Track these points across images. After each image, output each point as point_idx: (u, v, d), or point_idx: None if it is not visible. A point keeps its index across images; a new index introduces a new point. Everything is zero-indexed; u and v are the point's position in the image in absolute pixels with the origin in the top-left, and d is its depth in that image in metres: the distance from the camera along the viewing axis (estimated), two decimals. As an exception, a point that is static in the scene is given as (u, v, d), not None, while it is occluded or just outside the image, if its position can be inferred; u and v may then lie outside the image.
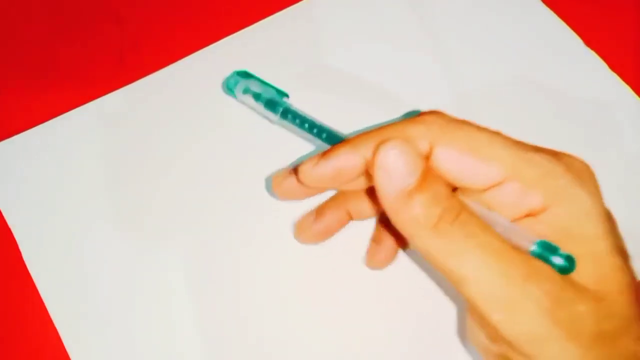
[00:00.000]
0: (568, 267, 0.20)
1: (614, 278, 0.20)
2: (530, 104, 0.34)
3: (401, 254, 0.29)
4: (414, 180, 0.20)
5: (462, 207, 0.21)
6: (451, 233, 0.20)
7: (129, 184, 0.31)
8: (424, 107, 0.33)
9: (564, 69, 0.35)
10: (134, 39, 0.35)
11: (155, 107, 0.33)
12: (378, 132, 0.22)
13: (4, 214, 0.30)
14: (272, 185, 0.26)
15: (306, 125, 0.26)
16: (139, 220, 0.30)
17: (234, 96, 0.28)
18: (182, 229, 0.30)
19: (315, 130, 0.25)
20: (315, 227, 0.27)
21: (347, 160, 0.22)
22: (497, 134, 0.22)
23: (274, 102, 0.26)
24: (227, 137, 0.33)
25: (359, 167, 0.22)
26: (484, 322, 0.21)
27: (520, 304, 0.20)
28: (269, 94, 0.27)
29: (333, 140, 0.25)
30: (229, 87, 0.27)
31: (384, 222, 0.28)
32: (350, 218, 0.28)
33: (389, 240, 0.28)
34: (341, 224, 0.28)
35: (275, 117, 0.26)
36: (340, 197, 0.28)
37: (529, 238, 0.21)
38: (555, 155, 0.22)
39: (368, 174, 0.22)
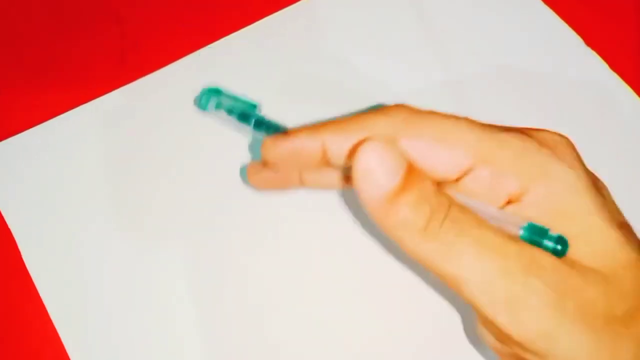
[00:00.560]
0: (560, 250, 0.19)
1: (615, 253, 0.19)
2: (531, 103, 0.34)
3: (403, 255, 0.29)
4: (397, 182, 0.18)
5: (450, 202, 0.19)
6: (442, 234, 0.19)
7: (129, 184, 0.31)
8: (424, 106, 0.33)
9: (565, 69, 0.35)
10: (134, 39, 0.35)
11: (155, 107, 0.33)
12: (339, 123, 0.22)
13: (4, 214, 0.30)
14: (247, 175, 0.25)
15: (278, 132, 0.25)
16: (138, 220, 0.30)
17: (207, 111, 0.27)
18: (182, 229, 0.30)
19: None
20: (264, 173, 0.25)
21: (305, 143, 0.22)
22: (463, 119, 0.21)
23: (246, 115, 0.26)
24: (227, 136, 0.33)
25: (318, 153, 0.22)
26: (489, 324, 0.19)
27: (523, 301, 0.18)
28: (239, 107, 0.27)
29: None
30: (200, 105, 0.27)
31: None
32: (302, 184, 0.25)
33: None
34: (288, 184, 0.26)
35: (249, 129, 0.26)
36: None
37: (516, 223, 0.19)
38: (525, 132, 0.21)
39: (327, 162, 0.22)
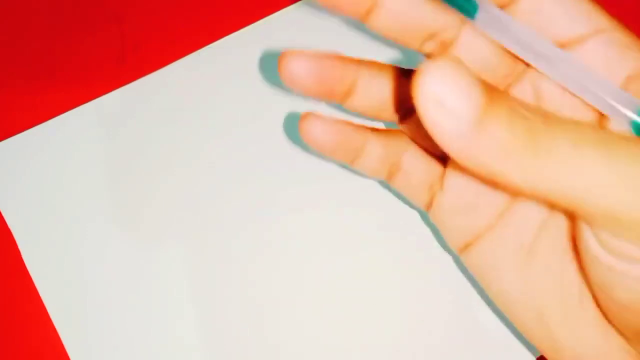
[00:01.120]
0: None
1: None
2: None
3: (406, 257, 0.29)
4: (480, 102, 0.14)
5: (545, 110, 0.15)
6: (555, 147, 0.14)
7: (129, 184, 0.31)
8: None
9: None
10: (134, 39, 0.35)
11: (155, 107, 0.33)
12: None
13: (4, 214, 0.30)
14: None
15: None
16: (139, 220, 0.30)
17: None
18: (182, 229, 0.30)
19: None
20: (311, 63, 0.21)
21: None
22: None
23: None
24: (228, 136, 0.33)
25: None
26: (631, 230, 0.15)
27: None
28: None
29: None
30: None
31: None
32: (351, 89, 0.21)
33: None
34: (338, 83, 0.21)
35: None
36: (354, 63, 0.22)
37: (633, 103, 0.16)
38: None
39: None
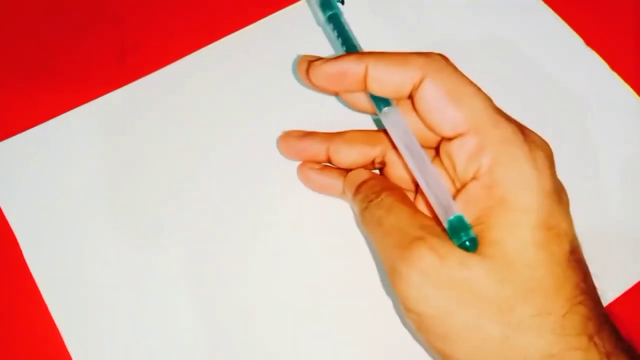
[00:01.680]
0: (469, 247, 0.22)
1: (526, 251, 0.21)
2: (531, 103, 0.34)
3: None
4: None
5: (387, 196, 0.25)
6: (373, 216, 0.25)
7: (129, 184, 0.31)
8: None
9: (565, 69, 0.35)
10: (134, 39, 0.35)
11: (155, 107, 0.33)
12: (383, 54, 0.26)
13: (5, 213, 0.30)
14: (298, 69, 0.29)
15: (340, 39, 0.30)
16: (139, 220, 0.30)
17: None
18: (182, 228, 0.30)
19: (345, 49, 0.29)
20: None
21: (351, 65, 0.26)
22: (482, 93, 0.24)
23: (328, 3, 0.30)
24: (228, 136, 0.33)
25: (361, 76, 0.25)
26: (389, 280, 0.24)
27: (398, 271, 0.22)
28: None
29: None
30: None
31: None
32: (327, 159, 0.30)
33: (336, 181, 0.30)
34: (316, 158, 0.30)
35: (322, 18, 0.30)
36: (326, 136, 0.30)
37: (451, 209, 0.23)
38: (520, 127, 0.23)
39: (364, 86, 0.26)
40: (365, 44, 0.29)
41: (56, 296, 0.29)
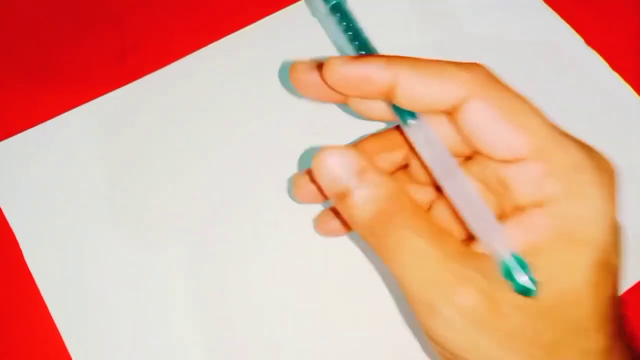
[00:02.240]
0: (528, 291, 0.19)
1: (579, 289, 0.20)
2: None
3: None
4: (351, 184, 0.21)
5: (403, 202, 0.21)
6: (386, 234, 0.20)
7: (129, 183, 0.31)
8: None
9: (565, 69, 0.35)
10: (134, 39, 0.35)
11: (155, 107, 0.33)
12: (419, 62, 0.21)
13: (5, 213, 0.30)
14: (290, 76, 0.24)
15: (349, 34, 0.25)
16: (139, 220, 0.30)
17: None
18: (182, 228, 0.30)
19: (356, 44, 0.25)
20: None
21: (378, 71, 0.21)
22: (540, 111, 0.21)
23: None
24: (228, 136, 0.33)
25: (387, 84, 0.21)
26: (417, 319, 0.21)
27: (441, 312, 0.19)
28: None
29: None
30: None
31: None
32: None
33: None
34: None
35: (324, 9, 0.25)
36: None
37: (505, 248, 0.20)
38: (586, 148, 0.21)
39: (389, 96, 0.22)
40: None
41: (56, 296, 0.29)
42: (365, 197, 0.20)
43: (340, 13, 0.26)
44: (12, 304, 0.29)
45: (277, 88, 0.34)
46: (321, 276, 0.29)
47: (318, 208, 0.31)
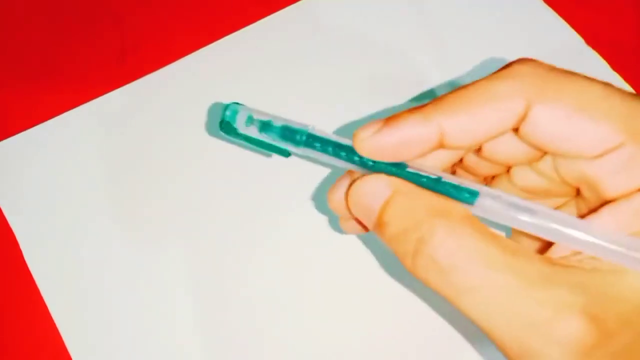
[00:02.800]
0: None
1: None
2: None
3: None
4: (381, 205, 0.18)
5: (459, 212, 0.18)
6: (444, 271, 0.17)
7: (129, 183, 0.31)
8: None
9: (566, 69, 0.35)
10: (134, 39, 0.35)
11: (155, 107, 0.33)
12: (455, 99, 0.18)
13: (5, 213, 0.30)
14: (327, 197, 0.21)
15: (332, 149, 0.20)
16: (139, 219, 0.30)
17: (233, 134, 0.22)
18: (182, 228, 0.30)
19: (345, 155, 0.20)
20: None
21: (417, 130, 0.18)
22: (610, 85, 0.18)
23: (292, 130, 0.20)
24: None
25: (433, 140, 0.18)
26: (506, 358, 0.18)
27: (541, 354, 0.16)
28: (279, 121, 0.21)
29: (371, 165, 0.20)
30: (226, 122, 0.22)
31: None
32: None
33: None
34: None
35: (297, 149, 0.21)
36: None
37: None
38: None
39: (441, 146, 0.19)
40: (365, 45, 0.29)
41: (56, 296, 0.29)
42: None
43: (318, 141, 0.20)
44: (12, 303, 0.29)
45: (277, 88, 0.34)
46: (322, 275, 0.29)
47: (319, 208, 0.31)
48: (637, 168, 0.17)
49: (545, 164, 0.20)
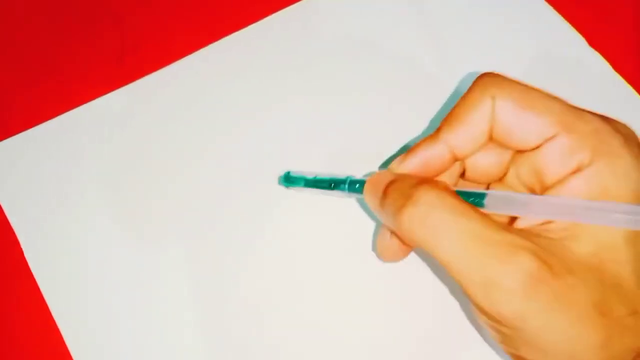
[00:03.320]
0: None
1: (617, 246, 0.20)
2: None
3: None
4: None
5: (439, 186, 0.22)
6: (424, 218, 0.21)
7: (129, 183, 0.31)
8: (422, 107, 0.33)
9: (567, 70, 0.34)
10: (134, 39, 0.35)
11: (155, 107, 0.33)
12: (450, 118, 0.24)
13: (6, 213, 0.31)
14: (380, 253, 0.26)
15: (327, 184, 0.28)
16: (139, 219, 0.30)
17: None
18: (182, 228, 0.30)
19: (344, 186, 0.27)
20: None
21: (430, 151, 0.24)
22: (549, 93, 0.23)
23: (337, 181, 0.28)
24: (228, 136, 0.32)
25: (446, 156, 0.24)
26: (472, 301, 0.21)
27: (498, 284, 0.20)
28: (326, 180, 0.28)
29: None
30: (287, 182, 0.30)
31: None
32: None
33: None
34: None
35: (342, 194, 0.27)
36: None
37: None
38: (604, 117, 0.23)
39: (457, 159, 0.24)
40: (365, 45, 0.29)
41: (57, 296, 0.29)
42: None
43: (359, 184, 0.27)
44: (13, 303, 0.29)
45: (277, 88, 0.34)
46: (322, 275, 0.29)
47: (319, 208, 0.31)
48: (568, 155, 0.22)
49: (511, 177, 0.25)
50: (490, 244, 0.20)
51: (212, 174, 0.31)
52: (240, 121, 0.33)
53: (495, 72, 0.24)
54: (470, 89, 0.24)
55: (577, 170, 0.22)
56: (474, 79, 0.24)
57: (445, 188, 0.22)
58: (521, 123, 0.22)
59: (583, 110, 0.23)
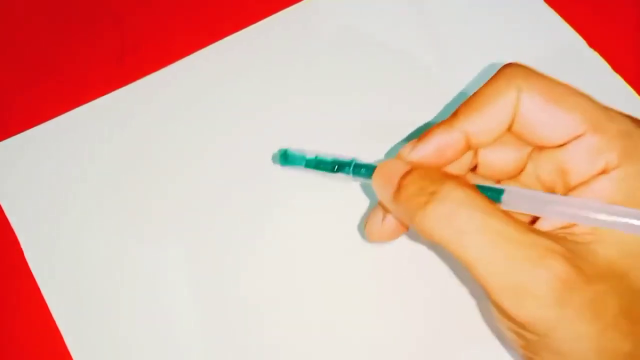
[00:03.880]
0: None
1: None
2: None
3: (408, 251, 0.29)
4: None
5: (466, 185, 0.21)
6: (450, 218, 0.20)
7: (129, 183, 0.31)
8: (422, 107, 0.33)
9: (567, 70, 0.34)
10: (134, 39, 0.35)
11: (155, 107, 0.33)
12: (468, 106, 0.22)
13: (6, 213, 0.31)
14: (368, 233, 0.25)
15: (330, 166, 0.26)
16: (139, 219, 0.30)
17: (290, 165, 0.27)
18: (182, 228, 0.30)
19: (348, 168, 0.25)
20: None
21: (445, 137, 0.22)
22: (578, 89, 0.22)
23: (341, 163, 0.25)
24: (228, 136, 0.33)
25: (461, 143, 0.22)
26: (497, 305, 0.20)
27: (528, 289, 0.19)
28: (327, 158, 0.26)
29: None
30: (285, 161, 0.27)
31: None
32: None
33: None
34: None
35: (347, 176, 0.25)
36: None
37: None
38: (631, 117, 0.22)
39: (470, 147, 0.23)
40: (365, 46, 0.29)
41: (57, 295, 0.29)
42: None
43: (364, 168, 0.25)
44: (13, 303, 0.29)
45: (277, 88, 0.34)
46: (323, 275, 0.29)
47: (320, 208, 0.31)
48: (595, 156, 0.21)
49: (528, 175, 0.23)
50: (520, 247, 0.19)
51: (212, 174, 0.32)
52: (240, 121, 0.33)
53: (521, 63, 0.22)
54: (494, 77, 0.22)
55: (603, 172, 0.21)
56: (473, 78, 0.24)
57: (472, 186, 0.21)
58: (547, 118, 0.21)
59: (613, 110, 0.22)
